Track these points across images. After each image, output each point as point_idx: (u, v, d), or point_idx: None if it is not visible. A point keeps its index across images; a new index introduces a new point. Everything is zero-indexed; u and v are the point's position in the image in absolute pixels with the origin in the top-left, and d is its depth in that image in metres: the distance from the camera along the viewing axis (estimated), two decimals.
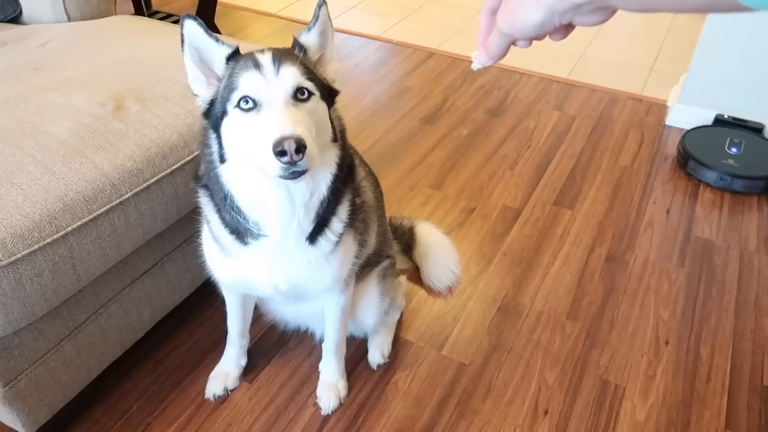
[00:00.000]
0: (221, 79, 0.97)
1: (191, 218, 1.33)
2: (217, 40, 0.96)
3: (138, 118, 1.28)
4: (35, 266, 1.04)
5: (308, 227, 1.06)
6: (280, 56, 0.93)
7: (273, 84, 0.90)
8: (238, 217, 1.03)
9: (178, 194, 1.29)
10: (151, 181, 1.23)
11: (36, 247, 1.04)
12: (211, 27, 2.84)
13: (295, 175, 0.88)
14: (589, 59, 3.03)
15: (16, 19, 1.79)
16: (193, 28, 0.95)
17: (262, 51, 0.94)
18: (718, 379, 1.51)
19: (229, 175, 1.00)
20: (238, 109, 0.92)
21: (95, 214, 1.13)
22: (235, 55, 0.96)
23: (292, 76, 0.91)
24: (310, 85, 0.93)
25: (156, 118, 1.29)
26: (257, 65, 0.91)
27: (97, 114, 1.26)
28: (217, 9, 2.88)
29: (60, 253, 1.08)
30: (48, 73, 1.41)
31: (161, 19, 2.92)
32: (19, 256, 1.02)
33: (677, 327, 1.64)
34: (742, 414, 1.43)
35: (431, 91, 2.73)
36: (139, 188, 1.21)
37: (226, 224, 1.07)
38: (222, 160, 0.99)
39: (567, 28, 0.58)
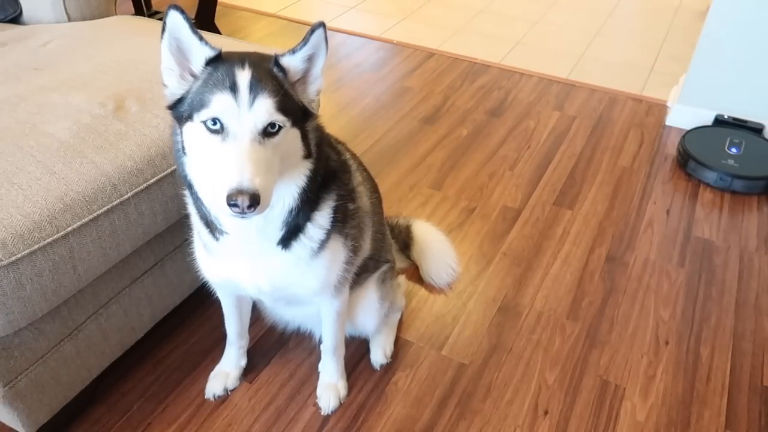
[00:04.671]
0: (196, 77, 0.93)
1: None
2: (200, 39, 0.92)
3: (138, 118, 1.28)
4: (35, 266, 1.04)
5: (274, 233, 1.04)
6: (258, 82, 0.88)
7: (245, 115, 0.87)
8: (203, 208, 1.03)
9: (178, 194, 1.29)
10: (151, 181, 1.23)
11: (36, 247, 1.04)
12: (211, 27, 2.85)
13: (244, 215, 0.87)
14: (589, 59, 3.03)
15: (16, 19, 1.78)
16: (177, 20, 0.90)
17: (242, 65, 0.89)
18: (718, 379, 1.51)
19: (190, 167, 0.99)
20: (204, 125, 0.89)
21: (95, 214, 1.13)
22: (216, 60, 0.92)
23: (265, 110, 0.88)
24: (281, 119, 0.89)
25: (156, 118, 1.29)
26: (233, 87, 0.87)
27: (97, 114, 1.26)
28: (217, 9, 2.88)
29: (60, 253, 1.08)
30: (48, 73, 1.41)
31: (161, 19, 2.91)
32: (19, 256, 1.02)
33: (677, 327, 1.64)
34: (742, 414, 1.43)
35: (431, 91, 2.73)
36: (139, 188, 1.21)
37: (201, 216, 1.08)
38: (185, 152, 0.98)
39: None
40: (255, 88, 0.88)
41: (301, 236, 1.08)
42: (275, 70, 0.93)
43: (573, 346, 1.58)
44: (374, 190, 1.40)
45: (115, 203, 1.16)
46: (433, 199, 2.08)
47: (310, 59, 0.96)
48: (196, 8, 2.84)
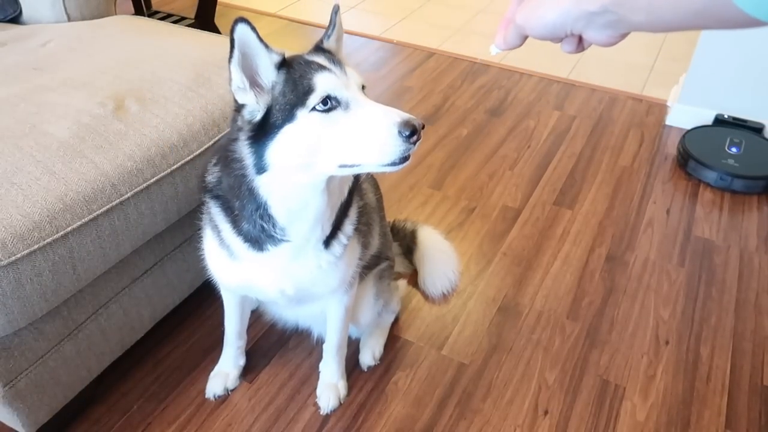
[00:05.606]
0: (272, 87, 0.92)
1: (191, 218, 1.33)
2: (267, 46, 0.91)
3: (138, 118, 1.28)
4: (35, 266, 1.04)
5: (328, 230, 1.07)
6: (333, 58, 0.95)
7: (349, 82, 0.92)
8: (265, 225, 1.01)
9: (178, 194, 1.29)
10: (151, 181, 1.23)
11: (36, 247, 1.04)
12: (211, 27, 2.85)
13: (408, 157, 0.89)
14: (589, 59, 3.03)
15: (16, 19, 1.78)
16: (246, 32, 0.88)
17: (310, 55, 0.95)
18: (718, 379, 1.51)
19: (270, 185, 0.96)
20: (315, 112, 0.89)
21: (95, 214, 1.13)
22: (285, 62, 0.93)
23: (355, 73, 0.94)
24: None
25: (156, 118, 1.29)
26: (324, 67, 0.91)
27: (97, 114, 1.26)
28: (217, 9, 2.88)
29: (60, 253, 1.08)
30: (48, 73, 1.41)
31: (161, 19, 2.92)
32: (19, 256, 1.02)
33: (677, 327, 1.64)
34: (742, 414, 1.43)
35: (431, 91, 2.73)
36: (138, 188, 1.21)
37: (242, 233, 1.05)
38: (261, 170, 0.95)
39: (579, 44, 0.58)
40: (336, 61, 0.94)
41: (339, 233, 1.10)
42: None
43: (573, 345, 1.58)
44: (376, 187, 1.41)
45: (114, 203, 1.16)
46: (433, 199, 2.08)
47: (338, 40, 1.02)
48: (196, 8, 2.84)
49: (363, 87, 0.94)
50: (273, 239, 1.03)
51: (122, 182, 1.18)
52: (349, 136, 0.90)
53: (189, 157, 1.29)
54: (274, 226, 1.01)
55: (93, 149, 1.18)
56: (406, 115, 0.87)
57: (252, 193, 0.98)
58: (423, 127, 0.87)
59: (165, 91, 1.35)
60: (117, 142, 1.22)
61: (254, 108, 0.93)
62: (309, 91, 0.89)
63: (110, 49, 1.55)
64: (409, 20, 3.41)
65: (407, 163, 0.90)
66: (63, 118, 1.23)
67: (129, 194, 1.19)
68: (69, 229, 1.09)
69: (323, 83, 0.89)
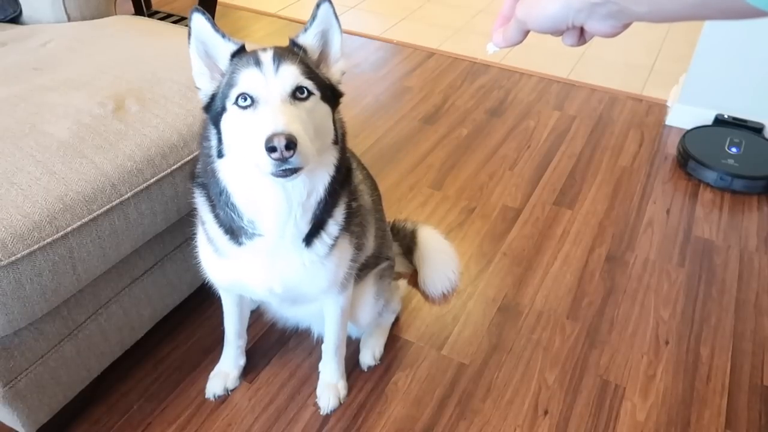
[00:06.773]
0: (224, 74, 0.97)
1: (191, 218, 1.33)
2: (223, 36, 0.96)
3: (138, 118, 1.28)
4: (35, 266, 1.04)
5: (305, 228, 1.05)
6: (281, 54, 0.93)
7: (272, 82, 0.90)
8: (233, 215, 1.03)
9: (178, 194, 1.29)
10: (151, 181, 1.23)
11: (36, 247, 1.04)
12: None
13: (287, 173, 0.87)
14: (589, 59, 3.03)
15: (16, 19, 1.78)
16: (200, 22, 0.95)
17: (264, 49, 0.95)
18: (718, 379, 1.51)
19: (226, 171, 1.00)
20: (236, 106, 0.92)
21: (95, 214, 1.13)
22: (239, 53, 0.97)
23: (291, 74, 0.91)
24: (309, 84, 0.93)
25: (156, 118, 1.29)
26: (257, 63, 0.92)
27: (97, 114, 1.26)
28: (217, 9, 2.88)
29: (60, 253, 1.08)
30: (48, 73, 1.41)
31: (161, 19, 2.92)
32: (19, 256, 1.02)
33: (677, 327, 1.64)
34: (742, 414, 1.43)
35: (431, 91, 2.73)
36: (139, 188, 1.21)
37: (221, 223, 1.07)
38: (220, 154, 0.99)
39: (581, 36, 0.57)
40: (278, 58, 0.92)
41: (322, 233, 1.09)
42: (294, 49, 0.98)
43: (573, 346, 1.58)
44: (374, 188, 1.41)
45: (114, 203, 1.16)
46: (433, 199, 2.08)
47: (324, 36, 1.01)
48: None
49: (299, 89, 0.91)
50: (245, 231, 1.04)
51: (122, 182, 1.18)
52: (248, 137, 0.90)
53: (189, 157, 1.29)
54: (240, 217, 1.02)
55: (93, 149, 1.18)
56: (275, 129, 0.84)
57: (214, 176, 1.02)
58: (292, 147, 0.83)
59: (165, 91, 1.35)
60: (117, 142, 1.22)
61: (205, 92, 0.99)
62: (233, 85, 0.93)
63: (110, 49, 1.55)
64: (409, 20, 3.41)
65: (291, 178, 0.89)
66: (63, 118, 1.23)
67: (129, 194, 1.19)
68: (69, 229, 1.09)
69: (243, 80, 0.91)
